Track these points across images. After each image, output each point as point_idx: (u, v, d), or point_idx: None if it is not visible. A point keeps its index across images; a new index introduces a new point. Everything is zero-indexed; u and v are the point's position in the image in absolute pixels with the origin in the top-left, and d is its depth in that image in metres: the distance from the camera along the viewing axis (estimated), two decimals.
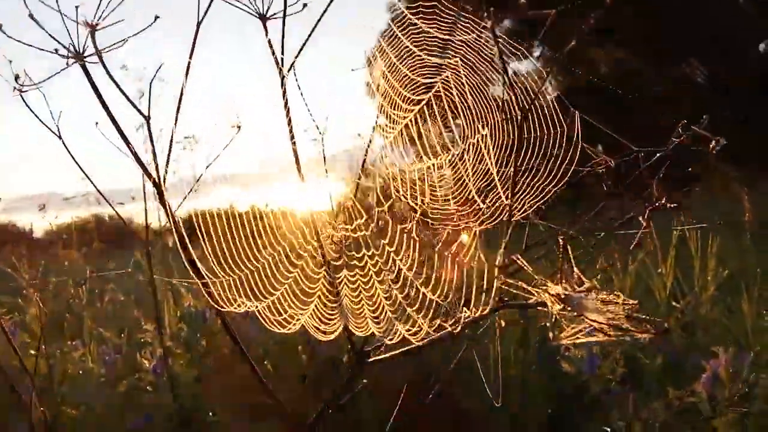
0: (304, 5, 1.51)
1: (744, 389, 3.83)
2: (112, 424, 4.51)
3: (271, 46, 1.55)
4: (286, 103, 1.59)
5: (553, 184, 1.25)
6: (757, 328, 4.76)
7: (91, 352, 5.26)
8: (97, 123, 2.09)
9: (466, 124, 1.23)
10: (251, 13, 1.54)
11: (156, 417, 4.54)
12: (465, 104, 1.22)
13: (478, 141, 1.12)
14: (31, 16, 1.26)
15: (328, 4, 1.45)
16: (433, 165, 1.27)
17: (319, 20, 1.51)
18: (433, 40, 1.36)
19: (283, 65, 1.55)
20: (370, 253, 1.29)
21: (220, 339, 5.30)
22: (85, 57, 1.30)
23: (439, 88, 1.26)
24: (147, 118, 1.38)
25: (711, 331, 5.01)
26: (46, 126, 1.80)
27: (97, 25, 1.18)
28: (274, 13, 1.54)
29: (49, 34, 1.28)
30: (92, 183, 2.31)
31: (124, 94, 1.32)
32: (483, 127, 1.11)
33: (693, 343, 4.58)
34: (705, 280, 4.99)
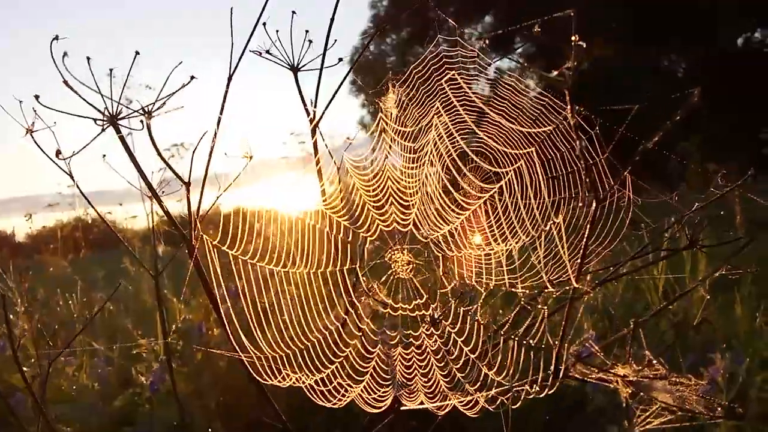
0: (340, 59, 1.49)
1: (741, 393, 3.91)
2: None
3: (302, 99, 1.52)
4: (316, 151, 1.56)
5: (602, 246, 1.25)
6: (749, 330, 4.84)
7: (84, 366, 5.16)
8: (104, 156, 2.03)
9: (539, 210, 1.21)
10: (283, 66, 1.51)
11: None
12: (538, 191, 1.20)
13: (550, 228, 1.11)
14: (65, 82, 1.21)
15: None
16: (502, 251, 1.25)
17: (345, 76, 1.51)
18: (473, 107, 1.35)
19: (314, 116, 1.52)
20: (429, 332, 1.27)
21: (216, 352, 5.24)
22: (118, 120, 1.25)
23: (511, 176, 1.24)
24: (187, 185, 1.34)
25: (703, 332, 5.07)
26: (58, 166, 1.74)
27: (152, 111, 1.14)
28: (304, 65, 1.51)
29: (83, 99, 1.23)
30: (91, 205, 2.24)
31: (165, 162, 1.28)
32: (557, 215, 1.09)
33: (686, 344, 4.64)
34: (696, 281, 5.06)
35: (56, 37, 1.27)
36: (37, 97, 1.26)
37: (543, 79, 1.01)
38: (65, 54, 1.11)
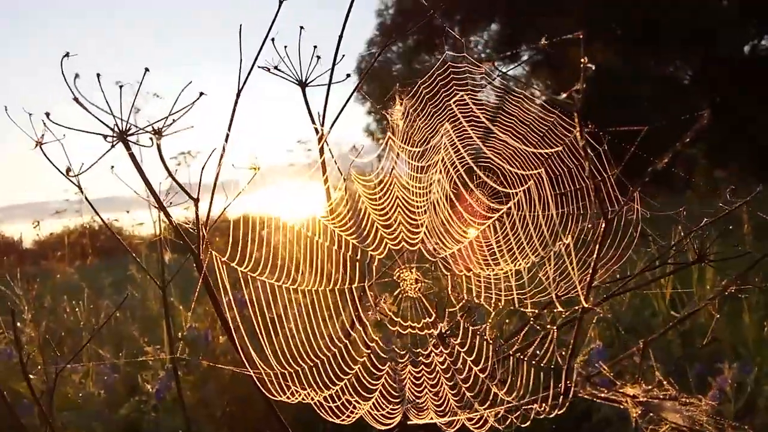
0: (348, 75, 1.50)
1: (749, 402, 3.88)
2: None
3: (310, 114, 1.53)
4: (324, 170, 1.56)
5: (611, 261, 1.25)
6: (757, 339, 4.80)
7: (90, 374, 5.16)
8: (112, 167, 2.04)
9: (547, 230, 1.21)
10: (291, 81, 1.51)
11: None
12: (547, 213, 1.20)
13: (560, 248, 1.11)
14: (76, 100, 1.22)
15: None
16: (511, 271, 1.25)
17: (354, 91, 1.51)
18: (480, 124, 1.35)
19: (322, 131, 1.52)
20: (438, 350, 1.27)
21: (222, 361, 5.24)
22: (128, 136, 1.26)
23: (520, 196, 1.24)
24: (196, 201, 1.35)
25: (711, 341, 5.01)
26: (70, 180, 1.74)
27: (162, 130, 1.14)
28: (312, 80, 1.52)
29: (93, 115, 1.24)
30: (99, 216, 2.24)
31: (176, 181, 1.29)
32: (565, 236, 1.09)
33: (693, 353, 4.61)
34: (704, 288, 5.04)
35: (67, 54, 1.28)
36: (48, 114, 1.27)
37: (552, 101, 1.01)
38: (77, 75, 1.12)
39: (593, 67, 0.82)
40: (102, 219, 2.19)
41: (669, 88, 18.38)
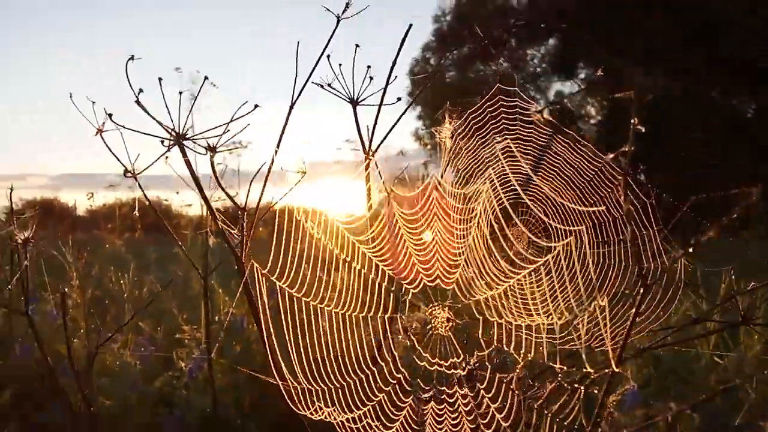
0: (398, 99, 1.51)
1: None
2: (145, 419, 4.59)
3: (359, 130, 1.55)
4: (368, 180, 1.57)
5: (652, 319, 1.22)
6: None
7: (128, 344, 5.30)
8: (167, 158, 2.10)
9: (584, 285, 1.20)
10: (343, 98, 1.53)
11: (188, 418, 4.61)
12: (586, 266, 1.19)
13: (595, 308, 1.09)
14: (137, 102, 1.27)
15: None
16: (544, 324, 1.24)
17: (404, 111, 1.53)
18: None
19: (370, 147, 1.54)
20: (463, 392, 1.26)
21: (255, 348, 5.33)
22: (184, 139, 1.30)
23: (570, 245, 1.22)
24: (243, 210, 1.39)
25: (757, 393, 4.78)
26: (126, 169, 1.80)
27: (216, 146, 1.18)
28: (364, 99, 1.54)
29: (153, 118, 1.29)
30: (148, 200, 2.30)
31: (227, 194, 1.33)
32: (601, 298, 1.07)
33: (735, 403, 4.40)
34: (751, 339, 4.82)
35: (132, 58, 1.33)
36: (110, 115, 1.32)
37: (600, 159, 1.00)
38: (141, 90, 1.17)
39: (642, 129, 0.80)
40: (149, 202, 2.25)
41: (727, 120, 17.76)
